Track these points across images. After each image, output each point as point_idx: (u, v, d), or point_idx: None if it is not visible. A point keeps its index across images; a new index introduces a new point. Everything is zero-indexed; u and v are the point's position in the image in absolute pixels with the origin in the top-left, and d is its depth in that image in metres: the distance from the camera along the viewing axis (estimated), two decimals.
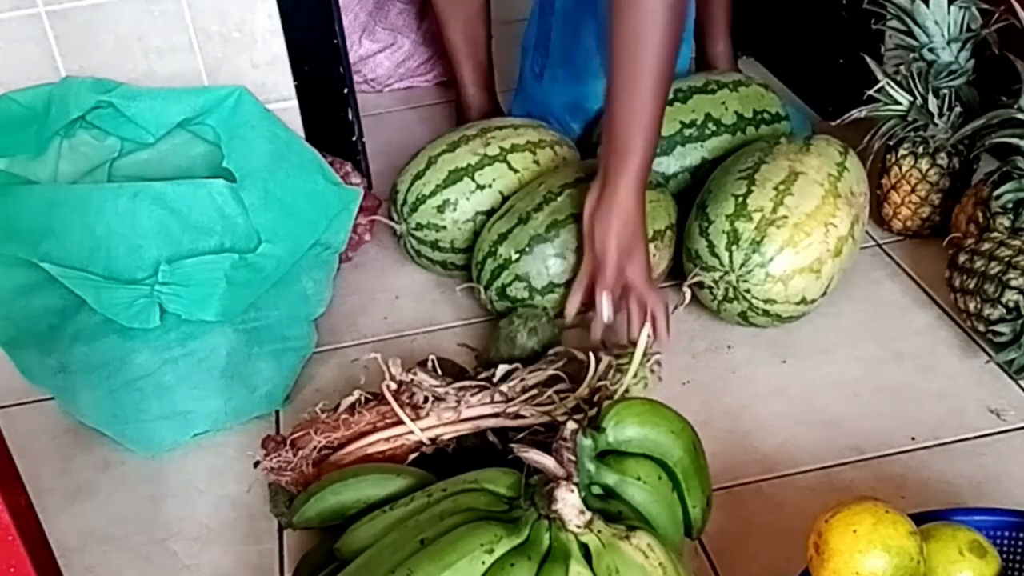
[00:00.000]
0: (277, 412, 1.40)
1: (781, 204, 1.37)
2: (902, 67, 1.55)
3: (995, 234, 1.38)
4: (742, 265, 1.37)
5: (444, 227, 1.55)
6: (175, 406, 1.32)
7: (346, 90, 1.71)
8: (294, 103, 1.61)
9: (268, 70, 1.57)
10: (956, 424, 1.28)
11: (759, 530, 1.16)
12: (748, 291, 1.38)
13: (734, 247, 1.37)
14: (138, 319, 1.30)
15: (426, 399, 1.23)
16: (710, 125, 1.60)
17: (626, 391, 1.23)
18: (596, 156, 1.64)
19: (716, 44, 1.92)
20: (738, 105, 1.63)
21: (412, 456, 1.21)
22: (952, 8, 1.47)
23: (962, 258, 1.38)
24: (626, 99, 1.28)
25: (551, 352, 1.32)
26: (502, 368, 1.26)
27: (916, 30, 1.50)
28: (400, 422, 1.21)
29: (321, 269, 1.48)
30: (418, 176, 1.57)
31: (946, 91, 1.50)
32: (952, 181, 1.55)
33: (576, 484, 0.93)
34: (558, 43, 1.77)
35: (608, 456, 1.01)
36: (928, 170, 1.54)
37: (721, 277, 1.39)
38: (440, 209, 1.55)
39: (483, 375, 1.28)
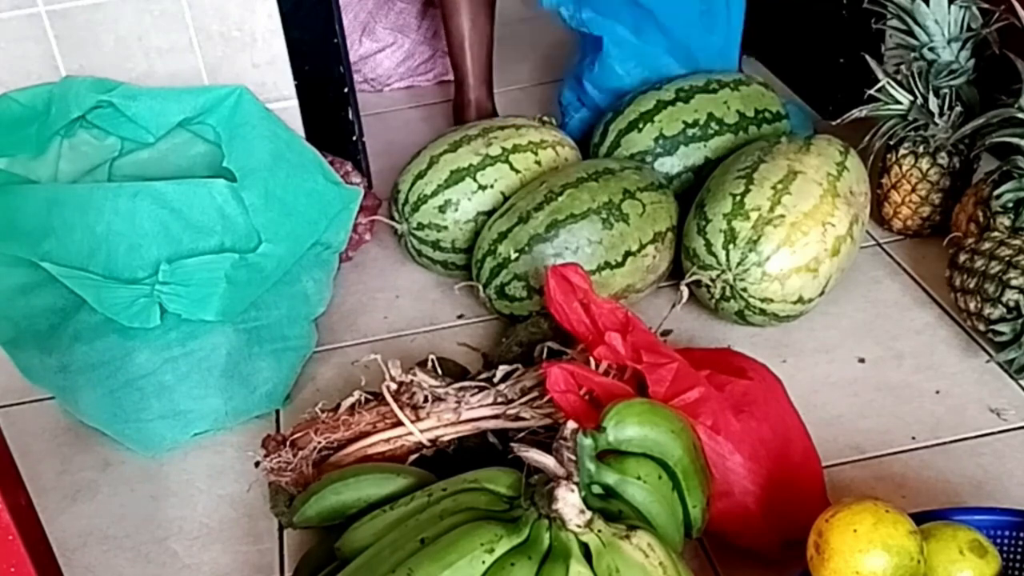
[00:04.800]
0: (277, 411, 1.40)
1: (779, 203, 1.37)
2: (902, 66, 1.55)
3: (995, 233, 1.38)
4: (739, 264, 1.37)
5: (445, 227, 1.55)
6: (175, 405, 1.32)
7: (346, 89, 1.71)
8: (294, 103, 1.61)
9: (268, 70, 1.57)
10: (956, 424, 1.28)
11: None
12: (745, 290, 1.38)
13: (731, 246, 1.37)
14: (138, 319, 1.30)
15: (426, 399, 1.22)
16: (713, 125, 1.60)
17: None
18: (598, 156, 1.64)
19: None
20: (740, 104, 1.63)
21: (412, 457, 1.21)
22: (952, 7, 1.47)
23: (962, 257, 1.38)
24: None
25: (540, 346, 1.32)
26: (502, 368, 1.26)
27: (916, 29, 1.50)
28: (400, 423, 1.21)
29: (321, 269, 1.48)
30: (420, 176, 1.57)
31: (946, 90, 1.50)
32: (952, 180, 1.55)
33: (576, 483, 0.93)
34: None
35: (608, 455, 1.01)
36: (928, 169, 1.54)
37: (718, 276, 1.39)
38: (442, 209, 1.55)
39: (483, 375, 1.28)
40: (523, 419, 1.21)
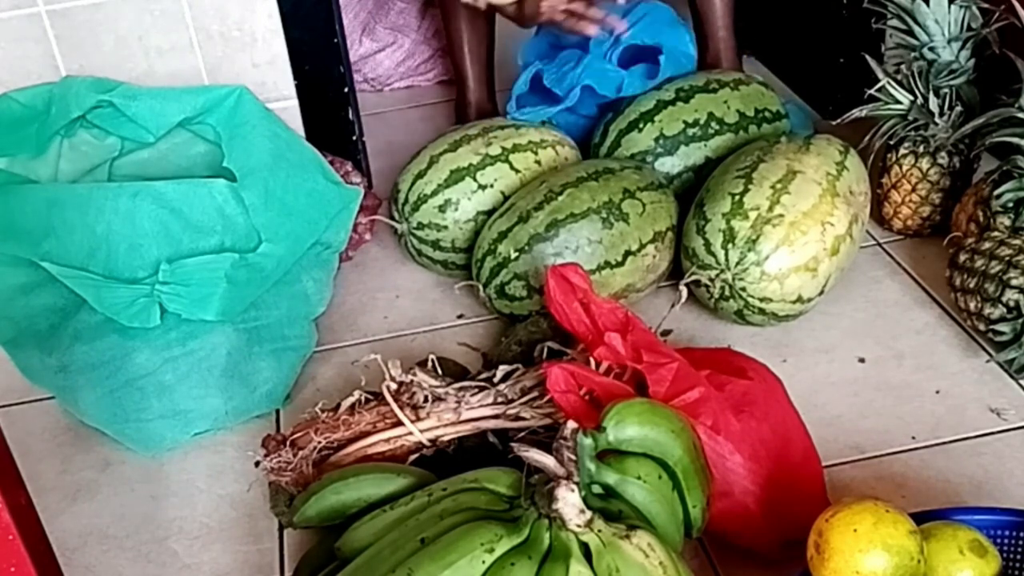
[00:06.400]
0: (277, 411, 1.40)
1: (778, 203, 1.37)
2: (903, 66, 1.55)
3: (995, 233, 1.38)
4: (737, 263, 1.37)
5: (445, 227, 1.55)
6: (175, 405, 1.32)
7: (346, 89, 1.71)
8: (294, 102, 1.61)
9: (268, 69, 1.57)
10: (956, 424, 1.28)
11: None
12: (744, 289, 1.38)
13: (730, 245, 1.37)
14: (138, 318, 1.30)
15: (426, 399, 1.22)
16: (713, 124, 1.60)
17: None
18: (598, 156, 1.64)
19: (717, 32, 1.89)
20: (740, 104, 1.63)
21: (412, 457, 1.21)
22: (952, 7, 1.47)
23: (962, 257, 1.38)
24: None
25: (540, 346, 1.31)
26: (502, 368, 1.26)
27: (917, 29, 1.50)
28: (400, 423, 1.21)
29: (321, 268, 1.48)
30: (420, 175, 1.57)
31: (947, 90, 1.50)
32: (952, 180, 1.55)
33: (576, 483, 0.93)
34: None
35: (608, 455, 1.01)
36: (928, 169, 1.54)
37: (717, 275, 1.39)
38: (442, 209, 1.55)
39: (483, 375, 1.28)
40: (523, 419, 1.21)
